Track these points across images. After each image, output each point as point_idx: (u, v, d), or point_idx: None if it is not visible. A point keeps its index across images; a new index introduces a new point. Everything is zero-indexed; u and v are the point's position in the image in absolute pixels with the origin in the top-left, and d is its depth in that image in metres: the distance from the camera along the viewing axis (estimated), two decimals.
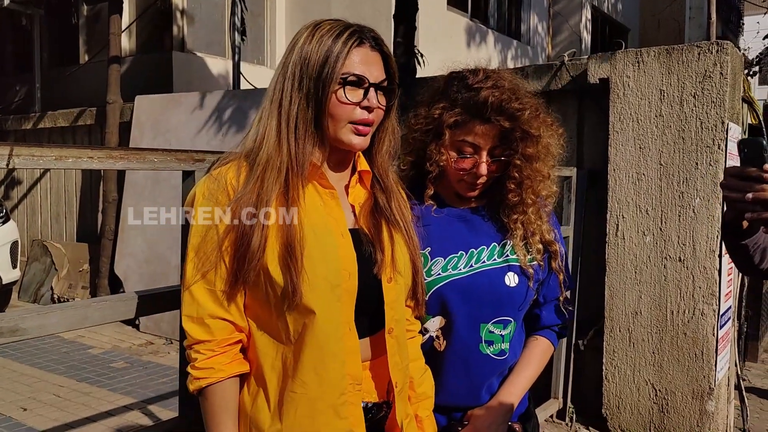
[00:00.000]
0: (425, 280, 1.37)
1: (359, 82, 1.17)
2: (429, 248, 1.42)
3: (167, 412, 3.80)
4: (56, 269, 6.59)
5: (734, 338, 3.63)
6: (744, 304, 3.94)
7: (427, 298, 1.37)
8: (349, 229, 1.22)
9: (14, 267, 5.79)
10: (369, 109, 1.18)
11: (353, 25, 1.21)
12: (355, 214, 1.25)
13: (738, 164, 1.17)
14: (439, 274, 1.41)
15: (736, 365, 3.69)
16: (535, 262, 1.46)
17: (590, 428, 3.59)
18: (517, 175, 1.41)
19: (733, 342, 3.60)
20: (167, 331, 5.37)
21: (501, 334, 1.43)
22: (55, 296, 6.47)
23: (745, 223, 1.25)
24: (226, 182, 1.16)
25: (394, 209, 1.27)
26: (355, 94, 1.17)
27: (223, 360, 1.15)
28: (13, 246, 5.79)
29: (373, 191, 1.28)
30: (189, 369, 1.17)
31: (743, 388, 3.69)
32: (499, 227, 1.47)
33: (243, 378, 1.19)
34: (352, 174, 1.28)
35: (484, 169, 1.39)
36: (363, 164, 1.28)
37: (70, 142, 7.00)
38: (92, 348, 5.15)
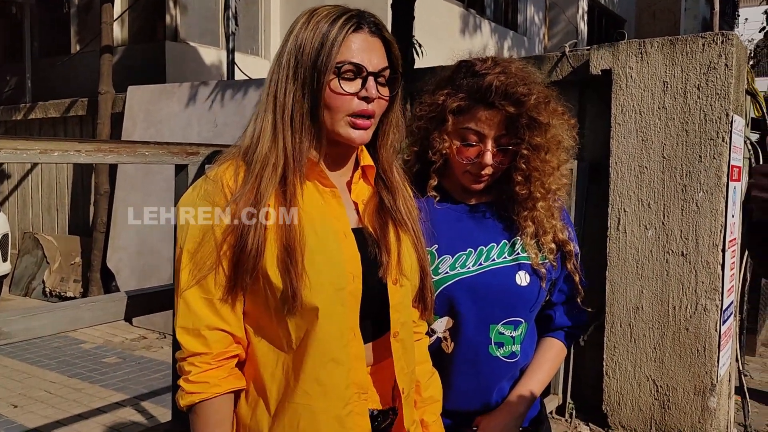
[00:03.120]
0: (432, 279, 1.30)
1: (357, 70, 1.09)
2: (436, 245, 1.34)
3: (160, 408, 3.74)
4: (48, 262, 6.50)
5: (736, 333, 3.59)
6: (746, 299, 3.90)
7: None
8: (353, 229, 1.14)
9: (5, 260, 5.70)
10: (368, 100, 1.10)
11: (352, 10, 1.13)
12: (358, 213, 1.18)
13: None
14: (447, 272, 1.34)
15: (737, 361, 3.65)
16: (547, 262, 1.38)
17: (590, 424, 3.54)
18: (524, 166, 1.33)
19: (735, 337, 3.56)
20: (160, 325, 5.30)
21: (512, 336, 1.36)
22: (47, 289, 6.39)
23: None
24: (223, 184, 1.09)
25: (401, 208, 1.20)
26: (352, 85, 1.09)
27: (219, 374, 1.08)
28: (4, 239, 5.70)
29: (377, 188, 1.21)
30: (181, 382, 1.09)
31: (745, 383, 3.65)
32: (509, 224, 1.39)
33: (238, 391, 1.12)
34: (355, 169, 1.20)
35: (489, 158, 1.32)
36: (366, 159, 1.20)
37: (62, 133, 6.90)
38: (84, 343, 5.08)
